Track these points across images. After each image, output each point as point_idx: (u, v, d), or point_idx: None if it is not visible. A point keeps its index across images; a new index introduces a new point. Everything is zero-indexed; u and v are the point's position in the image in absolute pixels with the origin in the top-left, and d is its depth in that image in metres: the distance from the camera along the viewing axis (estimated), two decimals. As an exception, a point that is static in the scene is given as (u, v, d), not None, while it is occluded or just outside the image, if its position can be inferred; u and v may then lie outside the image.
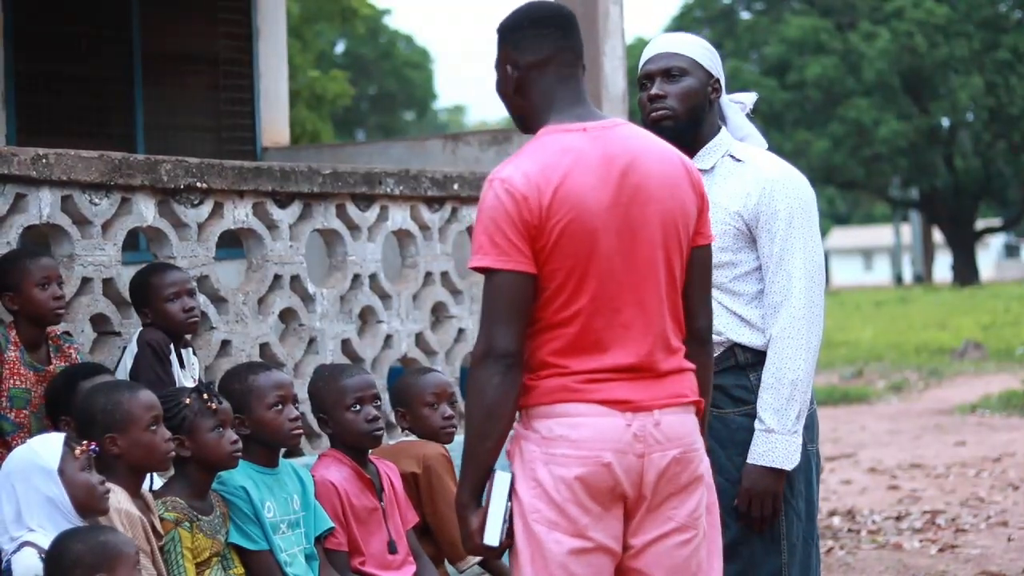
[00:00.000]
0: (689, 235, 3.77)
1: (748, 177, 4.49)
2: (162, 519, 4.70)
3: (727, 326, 4.47)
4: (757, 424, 4.42)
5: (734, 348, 4.49)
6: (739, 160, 4.53)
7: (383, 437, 5.34)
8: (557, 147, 3.70)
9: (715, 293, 4.40)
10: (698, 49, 4.56)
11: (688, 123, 4.51)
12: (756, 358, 4.48)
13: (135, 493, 4.61)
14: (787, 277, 4.44)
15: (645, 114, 4.56)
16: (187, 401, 4.83)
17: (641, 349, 3.68)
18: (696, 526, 3.73)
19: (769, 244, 4.45)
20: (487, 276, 3.67)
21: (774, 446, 4.39)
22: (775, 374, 4.41)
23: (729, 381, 4.48)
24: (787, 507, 4.46)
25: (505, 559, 4.00)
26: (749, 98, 4.73)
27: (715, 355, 4.40)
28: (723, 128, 4.59)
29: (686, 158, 3.82)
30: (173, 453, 4.69)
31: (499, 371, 3.62)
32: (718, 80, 4.57)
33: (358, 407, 5.23)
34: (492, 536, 3.69)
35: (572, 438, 3.63)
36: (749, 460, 4.41)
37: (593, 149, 3.69)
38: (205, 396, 4.86)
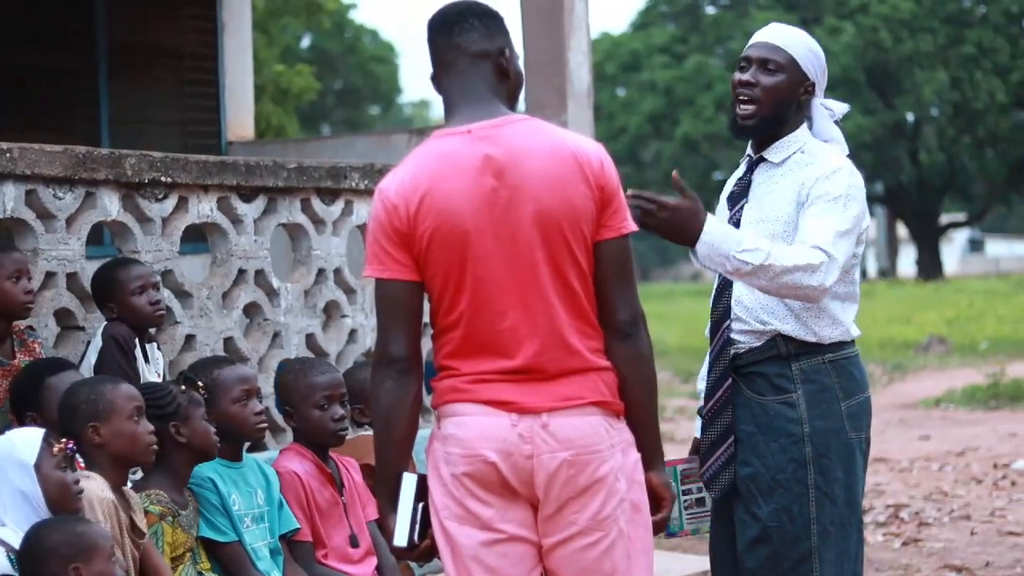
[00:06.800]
0: (586, 231, 3.68)
1: (810, 170, 4.51)
2: (147, 512, 4.70)
3: (772, 314, 4.51)
4: (737, 245, 4.30)
5: (776, 338, 4.53)
6: (807, 154, 4.58)
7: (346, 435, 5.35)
8: (434, 152, 3.70)
9: None
10: (801, 49, 4.61)
11: (770, 118, 4.57)
12: (799, 349, 4.51)
13: (117, 488, 4.61)
14: (823, 230, 4.38)
15: (734, 94, 4.62)
16: (182, 389, 4.91)
17: (528, 351, 3.66)
18: (603, 528, 3.68)
19: (814, 214, 4.42)
20: (375, 285, 3.73)
21: (714, 241, 4.27)
22: (776, 249, 4.30)
23: (772, 370, 4.53)
24: (819, 492, 4.50)
25: None
26: (840, 108, 4.76)
27: (758, 344, 4.51)
28: (803, 127, 4.64)
29: (586, 152, 3.71)
30: (155, 446, 4.70)
31: (391, 376, 3.69)
32: (813, 84, 4.62)
33: (326, 405, 5.24)
34: (400, 537, 3.72)
35: (459, 436, 3.66)
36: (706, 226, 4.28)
37: (472, 151, 3.66)
38: (198, 384, 4.93)
